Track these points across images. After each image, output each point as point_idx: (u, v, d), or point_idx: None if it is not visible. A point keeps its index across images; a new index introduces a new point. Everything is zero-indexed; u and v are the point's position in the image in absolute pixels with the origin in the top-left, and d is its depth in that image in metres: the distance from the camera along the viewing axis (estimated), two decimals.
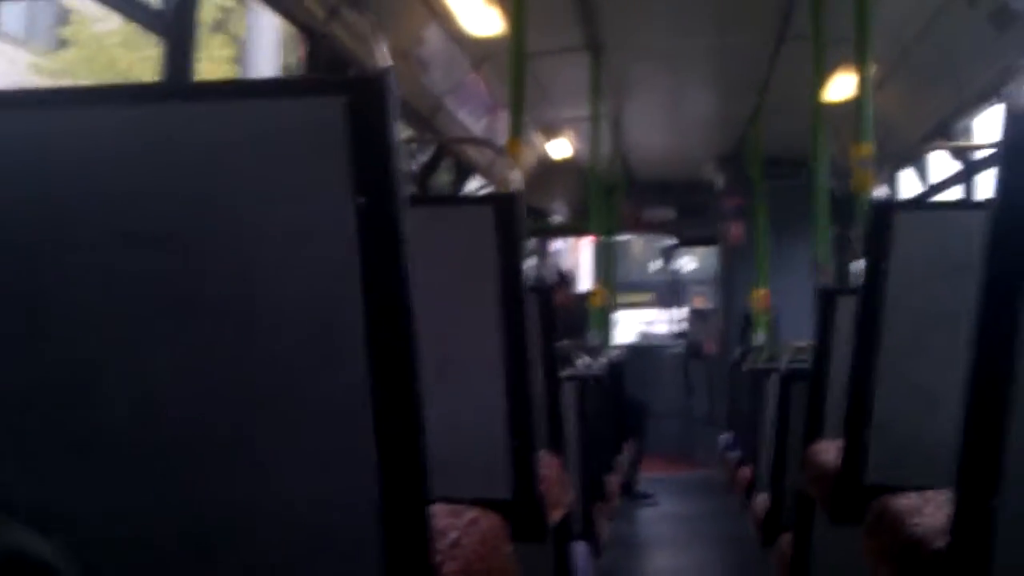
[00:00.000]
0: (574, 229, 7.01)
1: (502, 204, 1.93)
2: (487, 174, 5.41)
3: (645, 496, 5.52)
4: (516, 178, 2.23)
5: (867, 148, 3.38)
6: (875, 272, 2.21)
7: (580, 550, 2.93)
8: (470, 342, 2.00)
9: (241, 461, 1.25)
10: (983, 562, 1.37)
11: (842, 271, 3.87)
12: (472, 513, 1.59)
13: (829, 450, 2.44)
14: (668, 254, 8.21)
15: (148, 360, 1.24)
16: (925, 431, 2.10)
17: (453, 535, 1.44)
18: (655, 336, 8.25)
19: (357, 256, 1.22)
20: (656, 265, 8.93)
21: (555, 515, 2.16)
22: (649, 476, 6.01)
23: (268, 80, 4.10)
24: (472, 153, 5.26)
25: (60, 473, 1.21)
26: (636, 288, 9.02)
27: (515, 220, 1.93)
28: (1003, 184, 1.34)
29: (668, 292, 8.41)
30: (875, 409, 2.18)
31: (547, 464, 2.24)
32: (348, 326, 1.22)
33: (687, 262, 8.81)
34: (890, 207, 2.20)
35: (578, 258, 8.35)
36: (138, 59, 9.55)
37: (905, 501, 1.79)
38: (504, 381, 1.98)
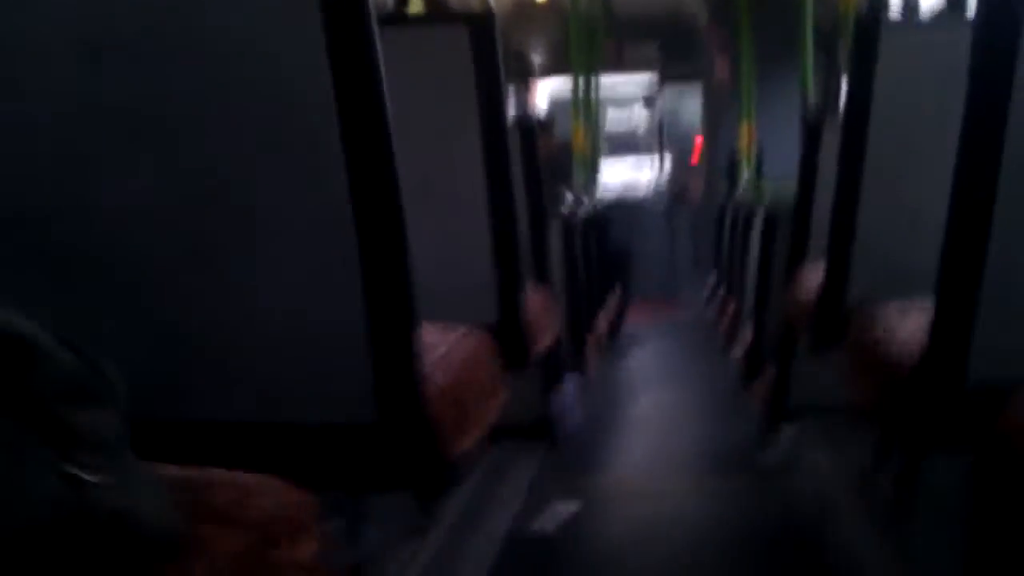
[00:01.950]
0: (555, 70, 6.85)
1: (477, 24, 1.87)
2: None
3: (630, 341, 5.62)
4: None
5: None
6: (860, 91, 2.18)
7: (569, 383, 3.00)
8: (453, 169, 1.98)
9: (224, 277, 1.25)
10: (959, 371, 1.41)
11: (829, 100, 3.81)
12: (461, 331, 1.61)
13: (811, 275, 2.46)
14: (651, 101, 8.07)
15: (125, 179, 1.22)
16: (908, 249, 2.11)
17: (442, 349, 1.46)
18: (638, 187, 8.18)
19: (329, 75, 1.19)
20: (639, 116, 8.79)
21: (541, 344, 2.19)
22: (636, 322, 6.12)
23: None
24: None
25: (39, 293, 1.21)
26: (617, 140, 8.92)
27: (492, 42, 1.88)
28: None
29: (651, 140, 8.32)
30: (858, 229, 2.19)
31: (533, 295, 2.27)
32: (326, 143, 1.21)
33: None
34: (875, 24, 2.14)
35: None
36: None
37: (884, 311, 1.82)
38: (488, 209, 1.97)
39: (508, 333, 1.92)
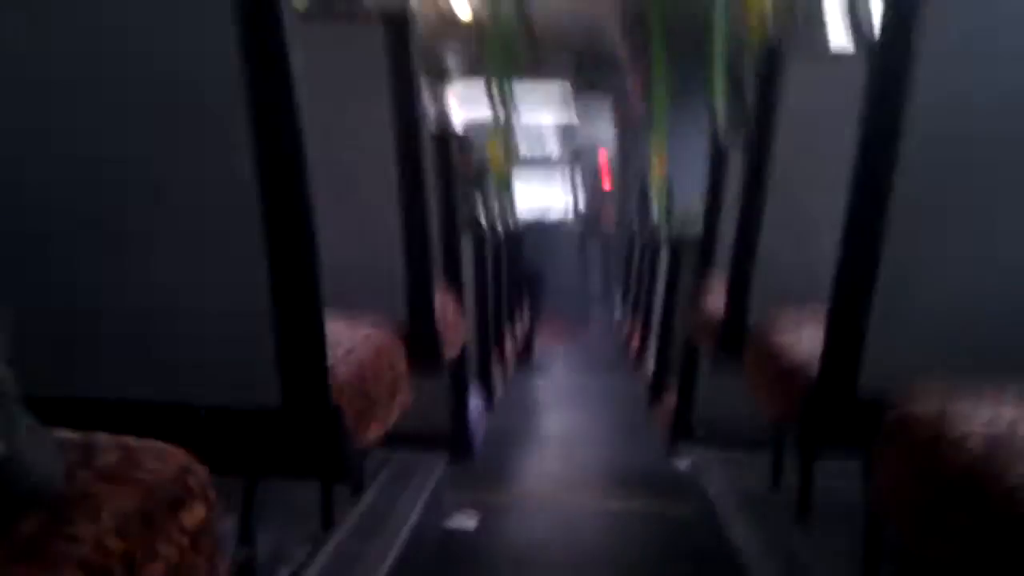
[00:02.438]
0: (471, 72, 6.85)
1: (396, 25, 1.87)
2: None
3: (538, 363, 5.66)
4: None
5: None
6: (764, 117, 2.27)
7: (474, 398, 3.00)
8: (367, 167, 1.98)
9: (131, 256, 1.23)
10: (851, 379, 1.46)
11: (736, 126, 3.92)
12: (368, 328, 1.60)
13: (715, 296, 2.53)
14: (568, 133, 8.19)
15: (33, 153, 1.19)
16: (806, 266, 2.18)
17: (348, 344, 1.45)
18: (552, 211, 8.26)
19: (242, 62, 1.18)
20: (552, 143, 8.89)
21: (450, 351, 2.19)
22: (546, 342, 6.16)
23: None
24: None
25: None
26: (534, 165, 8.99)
27: (408, 44, 1.89)
28: (882, 29, 1.40)
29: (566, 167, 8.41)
30: (759, 247, 2.26)
31: (444, 301, 2.26)
32: (235, 131, 1.19)
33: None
34: (780, 54, 2.23)
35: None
36: None
37: (780, 325, 1.88)
38: (401, 209, 1.97)
39: (418, 333, 1.91)
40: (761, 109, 2.27)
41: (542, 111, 8.36)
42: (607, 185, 7.80)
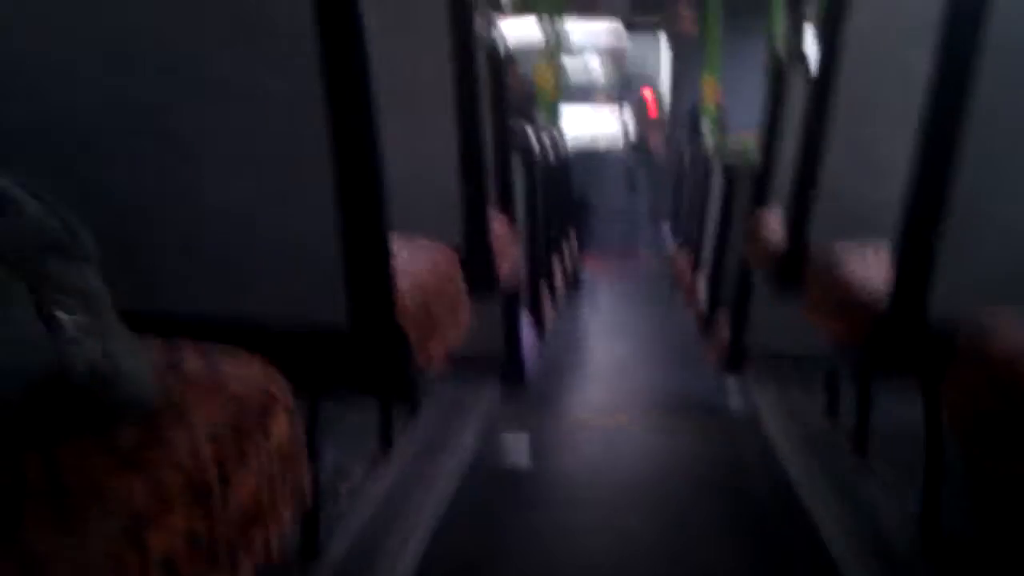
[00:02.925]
0: (523, 8, 6.75)
1: None
2: None
3: (586, 287, 5.65)
4: None
5: None
6: (832, 30, 2.19)
7: (527, 323, 3.01)
8: (423, 90, 1.96)
9: (201, 172, 1.23)
10: (919, 304, 1.44)
11: (795, 50, 3.81)
12: (426, 242, 1.60)
13: (772, 221, 2.49)
14: (618, 54, 8.02)
15: (105, 61, 1.19)
16: (870, 194, 2.14)
17: (408, 264, 1.45)
18: (601, 139, 8.15)
19: None
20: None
21: (504, 269, 2.18)
22: (592, 269, 6.14)
23: None
24: None
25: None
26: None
27: None
28: None
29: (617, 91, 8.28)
30: (821, 174, 2.22)
31: (497, 225, 2.26)
32: (304, 50, 1.18)
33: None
34: None
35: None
36: None
37: (844, 251, 1.85)
38: (456, 132, 1.95)
39: (473, 255, 1.91)
40: (828, 26, 2.19)
41: (593, 43, 8.21)
42: (653, 113, 7.66)
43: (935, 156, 1.41)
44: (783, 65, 2.83)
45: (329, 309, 1.23)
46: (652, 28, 7.74)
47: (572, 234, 5.55)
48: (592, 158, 7.36)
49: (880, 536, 1.58)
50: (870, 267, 1.68)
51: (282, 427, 0.80)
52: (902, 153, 1.46)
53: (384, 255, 1.25)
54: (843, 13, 2.15)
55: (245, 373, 0.80)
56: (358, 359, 1.24)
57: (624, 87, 8.00)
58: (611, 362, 3.97)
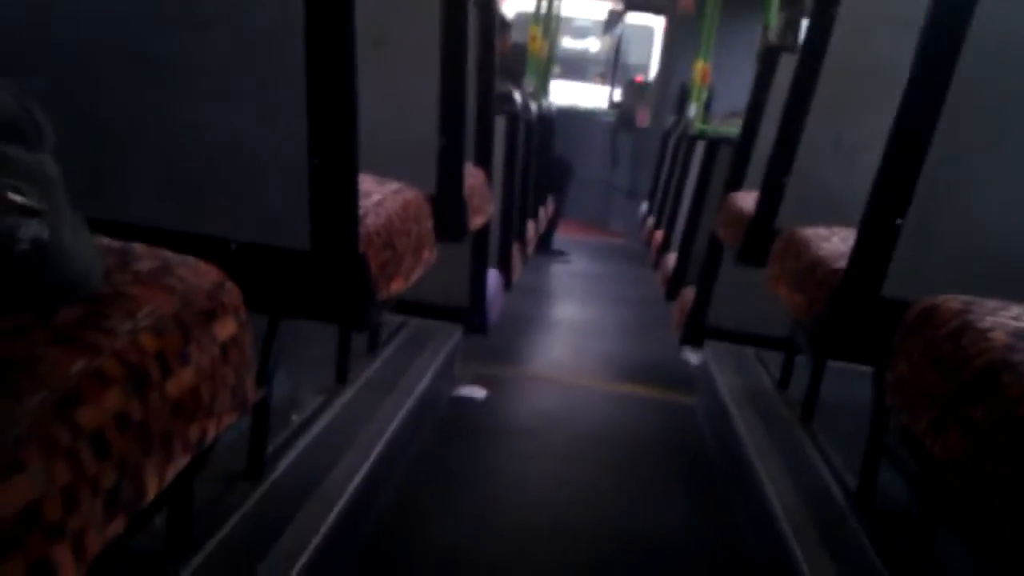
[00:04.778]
0: None
1: None
2: None
3: (559, 253, 5.66)
4: None
5: None
6: (821, 22, 2.21)
7: (493, 276, 3.02)
8: (409, 34, 1.96)
9: (175, 90, 1.23)
10: (875, 284, 1.48)
11: (788, 39, 3.82)
12: (398, 184, 1.60)
13: (746, 199, 2.52)
14: (612, 20, 7.95)
15: None
16: (840, 181, 2.18)
17: (377, 196, 1.46)
18: (587, 100, 8.13)
19: None
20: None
21: (476, 220, 2.19)
22: (565, 237, 6.15)
23: None
24: None
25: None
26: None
27: None
28: None
29: (606, 65, 8.26)
30: (797, 158, 2.25)
31: (472, 173, 2.26)
32: None
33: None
34: None
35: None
36: None
37: (811, 232, 1.88)
38: (439, 82, 1.95)
39: (445, 198, 1.92)
40: (816, 18, 2.22)
41: (592, 22, 8.17)
42: (640, 78, 7.64)
43: (906, 148, 1.46)
44: (774, 52, 2.85)
45: (292, 233, 1.24)
46: (650, 9, 7.70)
47: (550, 198, 5.55)
48: (577, 117, 7.35)
49: (818, 498, 1.63)
50: (834, 249, 1.71)
51: (228, 331, 0.81)
52: (876, 145, 1.50)
53: (351, 185, 1.25)
54: (832, 7, 2.18)
55: (197, 278, 0.80)
56: (316, 282, 1.25)
57: (618, 69, 8.00)
58: (576, 320, 4.01)
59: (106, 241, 0.82)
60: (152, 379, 0.68)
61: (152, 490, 0.68)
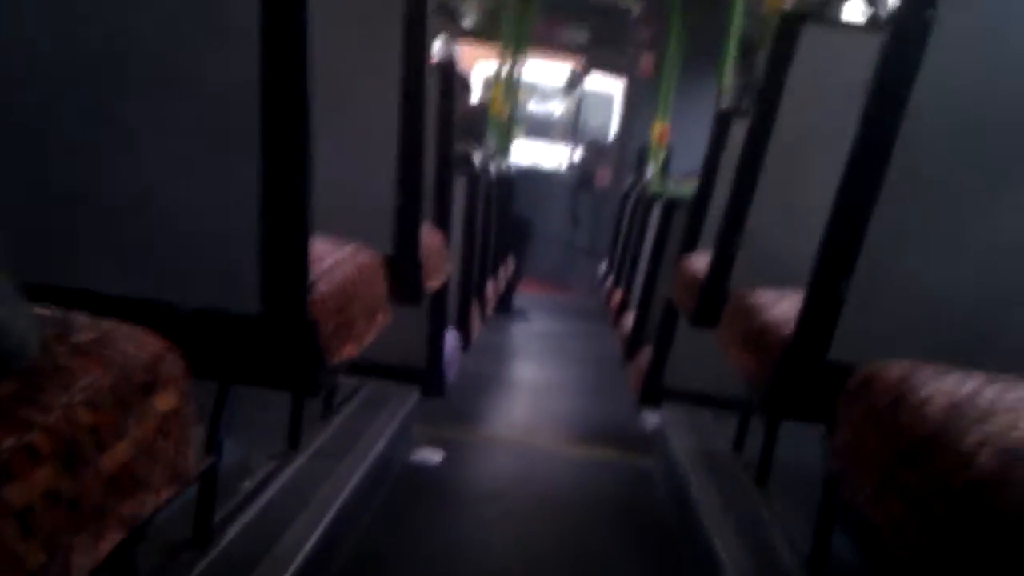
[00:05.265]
0: (483, 35, 6.79)
1: None
2: None
3: (518, 312, 5.67)
4: None
5: None
6: (771, 88, 2.27)
7: (451, 337, 3.01)
8: (369, 98, 1.98)
9: (127, 153, 1.23)
10: (822, 347, 1.50)
11: (743, 102, 3.92)
12: (352, 248, 1.60)
13: (700, 261, 2.55)
14: (574, 80, 8.09)
15: (39, 41, 1.18)
16: (791, 245, 2.21)
17: (330, 260, 1.45)
18: (549, 163, 8.26)
19: None
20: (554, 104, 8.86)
21: (433, 282, 2.19)
22: (526, 295, 6.18)
23: None
24: None
25: None
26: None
27: None
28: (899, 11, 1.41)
29: (568, 126, 8.40)
30: (749, 221, 2.29)
31: (430, 235, 2.27)
32: (245, 43, 1.19)
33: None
34: (798, 20, 2.22)
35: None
36: None
37: (762, 294, 1.91)
38: (398, 142, 1.97)
39: (401, 261, 1.92)
40: (770, 77, 2.27)
41: (553, 84, 8.36)
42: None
43: (850, 213, 1.48)
44: (727, 116, 2.92)
45: (242, 298, 1.23)
46: (611, 70, 7.88)
47: (510, 258, 5.58)
48: (538, 178, 7.43)
49: (771, 562, 1.62)
50: (783, 312, 1.73)
51: (168, 404, 0.80)
52: (825, 209, 1.52)
53: (301, 251, 1.25)
54: (783, 73, 2.23)
55: (137, 349, 0.79)
56: (267, 348, 1.24)
57: (579, 130, 8.15)
58: (534, 380, 4.01)
59: (46, 311, 0.81)
60: (86, 454, 0.67)
61: (84, 567, 0.66)
